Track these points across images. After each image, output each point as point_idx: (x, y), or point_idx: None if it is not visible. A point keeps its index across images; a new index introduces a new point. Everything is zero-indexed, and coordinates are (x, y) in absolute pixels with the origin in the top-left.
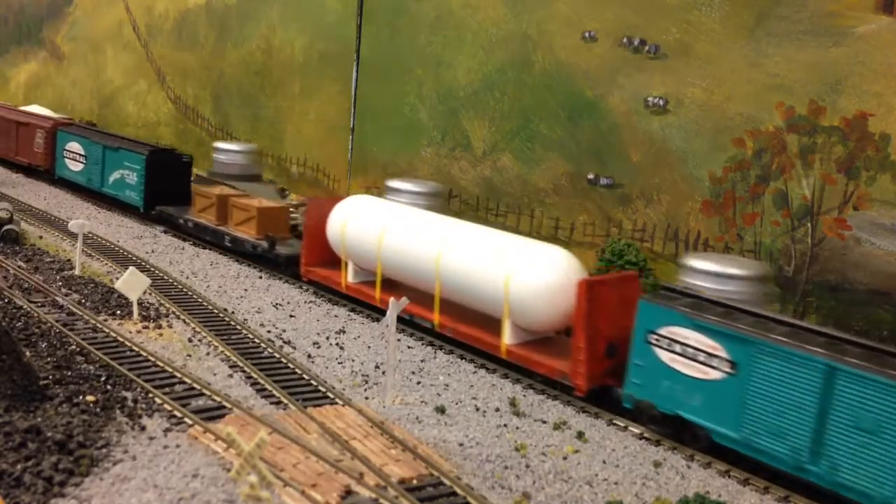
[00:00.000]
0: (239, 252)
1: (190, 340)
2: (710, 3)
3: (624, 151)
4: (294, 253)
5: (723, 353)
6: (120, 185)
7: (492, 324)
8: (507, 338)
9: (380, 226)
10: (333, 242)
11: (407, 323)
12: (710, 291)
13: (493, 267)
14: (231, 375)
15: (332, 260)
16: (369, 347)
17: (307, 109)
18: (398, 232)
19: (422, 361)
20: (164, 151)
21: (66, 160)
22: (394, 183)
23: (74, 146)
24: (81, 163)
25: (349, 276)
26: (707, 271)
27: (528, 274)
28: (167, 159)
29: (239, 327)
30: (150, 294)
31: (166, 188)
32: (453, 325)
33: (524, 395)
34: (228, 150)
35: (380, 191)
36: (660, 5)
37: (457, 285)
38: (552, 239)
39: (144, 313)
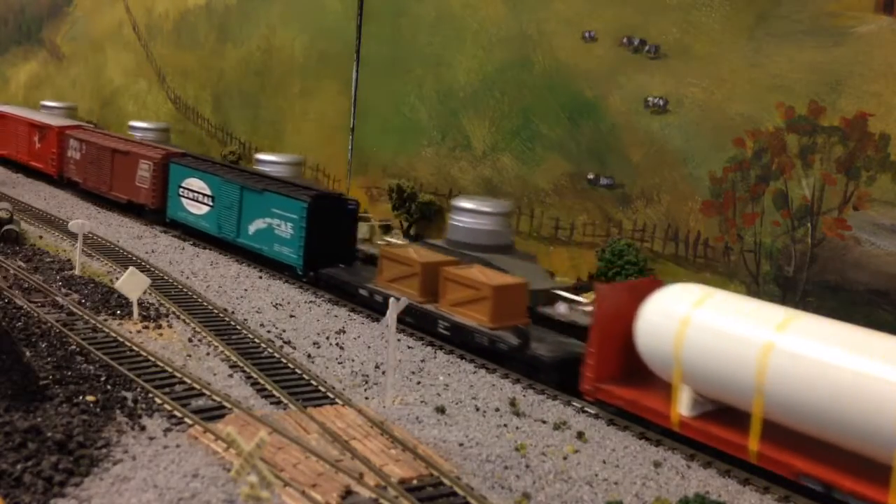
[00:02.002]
0: (459, 343)
1: (190, 340)
2: (710, 3)
3: (624, 151)
4: (563, 356)
5: None
6: (266, 238)
7: None
8: None
9: (760, 337)
10: (649, 352)
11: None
12: None
13: None
14: (231, 375)
15: (634, 372)
16: (369, 347)
17: (307, 109)
18: (810, 352)
19: (422, 361)
20: (328, 197)
21: (184, 200)
22: None
23: (196, 184)
24: (207, 205)
25: (683, 407)
26: None
27: None
28: (332, 206)
29: (239, 327)
30: (150, 294)
31: (329, 244)
32: None
33: (524, 395)
34: (474, 211)
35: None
36: (660, 5)
37: None
38: (552, 239)
39: (144, 313)
